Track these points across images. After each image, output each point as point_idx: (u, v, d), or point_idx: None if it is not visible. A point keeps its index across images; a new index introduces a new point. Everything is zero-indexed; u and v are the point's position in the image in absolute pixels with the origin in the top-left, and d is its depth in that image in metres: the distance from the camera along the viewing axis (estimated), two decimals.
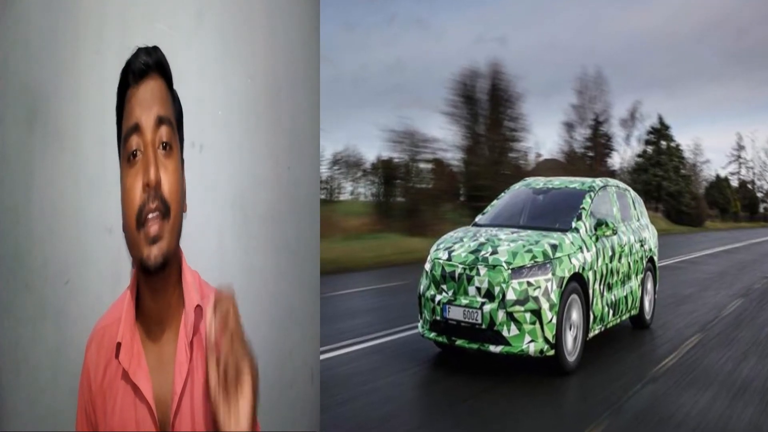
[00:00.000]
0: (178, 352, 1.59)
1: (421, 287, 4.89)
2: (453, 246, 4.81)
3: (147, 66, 1.58)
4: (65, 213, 1.82)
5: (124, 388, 1.61)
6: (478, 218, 5.74)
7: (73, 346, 1.75)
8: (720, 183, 55.26)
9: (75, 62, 1.81)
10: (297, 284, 1.99)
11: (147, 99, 1.57)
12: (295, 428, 1.93)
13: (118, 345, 1.60)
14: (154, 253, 1.53)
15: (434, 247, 5.00)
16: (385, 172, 21.51)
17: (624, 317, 5.74)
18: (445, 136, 21.46)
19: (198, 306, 1.62)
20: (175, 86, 1.67)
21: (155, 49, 1.62)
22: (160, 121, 1.57)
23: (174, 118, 1.64)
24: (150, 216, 1.53)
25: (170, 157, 1.58)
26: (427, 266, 4.89)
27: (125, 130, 1.58)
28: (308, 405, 1.96)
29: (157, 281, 1.60)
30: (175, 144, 1.61)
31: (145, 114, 1.56)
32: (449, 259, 4.68)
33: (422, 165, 20.97)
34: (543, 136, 77.24)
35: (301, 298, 1.98)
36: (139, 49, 1.61)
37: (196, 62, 1.86)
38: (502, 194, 6.05)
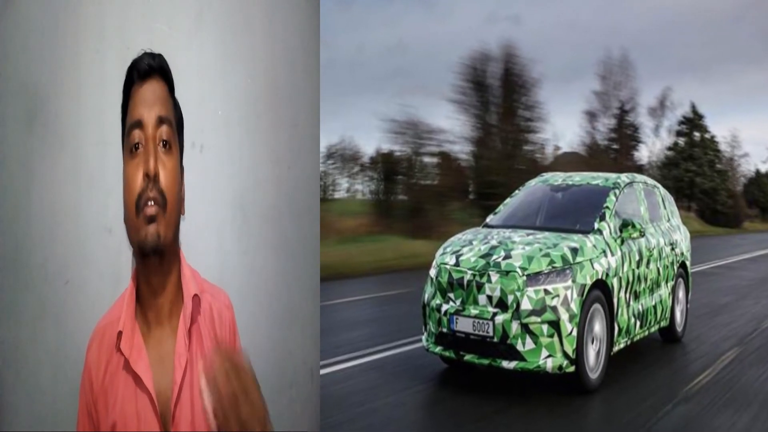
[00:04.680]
0: (178, 343, 1.87)
1: (426, 296, 4.98)
2: (461, 250, 4.90)
3: (151, 68, 1.87)
4: (65, 213, 2.07)
5: (125, 380, 1.85)
6: (490, 218, 5.87)
7: (74, 346, 1.99)
8: (760, 179, 55.23)
9: (75, 62, 2.06)
10: (297, 284, 2.24)
11: (149, 98, 1.87)
12: (295, 428, 2.16)
13: (119, 334, 1.86)
14: (150, 231, 1.82)
15: (440, 251, 5.10)
16: (386, 166, 21.61)
17: (653, 329, 5.85)
18: (452, 127, 21.61)
19: (195, 295, 1.91)
20: (176, 86, 1.93)
21: (159, 55, 1.92)
22: (161, 121, 1.87)
23: (174, 122, 1.93)
24: (148, 203, 1.83)
25: (169, 155, 1.88)
26: (433, 272, 4.99)
27: (128, 125, 1.87)
28: (308, 405, 2.18)
29: (156, 273, 1.88)
30: (174, 144, 1.90)
31: (147, 111, 1.86)
32: (457, 264, 4.77)
33: (427, 159, 21.11)
34: (562, 126, 76.98)
35: (301, 298, 2.23)
36: (145, 53, 1.90)
37: (196, 62, 2.11)
38: (517, 192, 6.18)
